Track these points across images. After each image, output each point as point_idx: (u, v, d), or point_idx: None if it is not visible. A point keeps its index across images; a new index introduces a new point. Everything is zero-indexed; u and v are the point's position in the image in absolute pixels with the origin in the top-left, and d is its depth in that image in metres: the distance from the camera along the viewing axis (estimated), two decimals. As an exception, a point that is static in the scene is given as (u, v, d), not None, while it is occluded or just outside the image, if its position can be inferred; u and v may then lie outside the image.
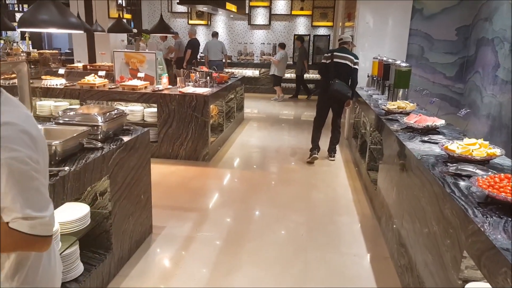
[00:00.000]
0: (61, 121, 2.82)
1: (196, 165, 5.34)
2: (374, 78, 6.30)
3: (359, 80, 6.68)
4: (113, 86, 5.64)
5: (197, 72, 6.07)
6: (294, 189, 4.64)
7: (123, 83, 5.62)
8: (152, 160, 5.51)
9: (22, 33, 10.36)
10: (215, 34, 11.32)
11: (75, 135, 2.43)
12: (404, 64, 4.66)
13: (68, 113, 2.90)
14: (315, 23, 12.60)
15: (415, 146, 2.99)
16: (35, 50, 8.33)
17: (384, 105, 4.30)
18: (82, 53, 10.32)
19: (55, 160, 2.28)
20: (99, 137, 2.77)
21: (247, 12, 12.72)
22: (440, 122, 3.38)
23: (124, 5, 11.18)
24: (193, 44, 10.42)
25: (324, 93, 5.53)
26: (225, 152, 5.99)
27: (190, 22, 13.09)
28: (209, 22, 13.06)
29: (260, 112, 9.77)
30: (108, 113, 2.89)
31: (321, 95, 5.67)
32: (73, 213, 2.52)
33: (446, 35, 6.70)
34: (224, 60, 11.25)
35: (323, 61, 5.54)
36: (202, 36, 12.93)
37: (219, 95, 6.10)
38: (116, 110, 3.00)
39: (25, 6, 11.38)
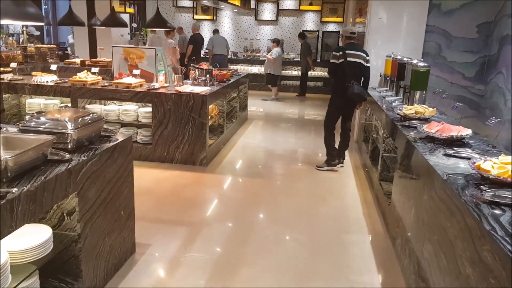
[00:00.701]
0: (25, 128, 2.42)
1: (192, 170, 4.93)
2: (387, 78, 5.84)
3: (372, 80, 6.25)
4: (106, 84, 5.26)
5: (196, 70, 5.66)
6: (297, 201, 4.22)
7: (116, 81, 5.23)
8: (145, 164, 5.26)
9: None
10: (216, 31, 10.89)
11: (33, 146, 2.04)
12: (421, 64, 4.20)
13: (35, 118, 2.50)
14: (324, 19, 12.12)
15: (439, 161, 2.55)
16: (31, 44, 7.98)
17: (400, 109, 3.86)
18: (83, 48, 9.97)
19: (7, 178, 1.89)
20: (69, 147, 2.37)
21: (253, 7, 12.28)
22: (466, 132, 2.94)
23: (126, -2, 10.81)
24: (196, 39, 10.02)
25: (339, 97, 4.99)
26: (225, 156, 5.58)
27: (196, 17, 12.67)
28: (214, 17, 12.64)
29: (265, 111, 9.34)
30: (81, 118, 2.48)
31: (336, 98, 5.08)
32: (33, 238, 2.13)
33: (465, 32, 6.20)
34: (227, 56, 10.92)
35: (333, 60, 4.97)
36: (207, 31, 12.51)
37: (219, 94, 5.69)
38: (91, 115, 2.60)
39: None
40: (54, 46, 7.99)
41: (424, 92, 4.23)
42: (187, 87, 5.22)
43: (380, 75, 6.09)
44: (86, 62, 7.78)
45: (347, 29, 5.21)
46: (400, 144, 3.37)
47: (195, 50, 10.06)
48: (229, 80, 6.43)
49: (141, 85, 5.33)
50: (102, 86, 5.15)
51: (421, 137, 3.10)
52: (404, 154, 3.23)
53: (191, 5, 12.55)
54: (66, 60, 7.95)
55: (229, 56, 11.60)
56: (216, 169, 5.04)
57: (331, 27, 12.25)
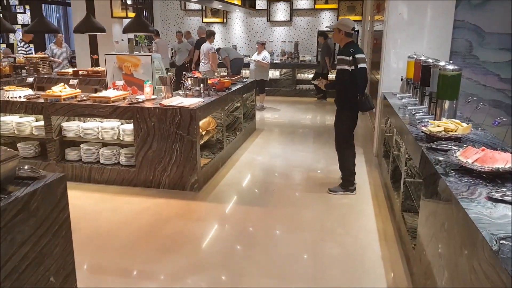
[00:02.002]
0: None
1: (181, 197, 4.25)
2: (410, 83, 5.02)
3: (392, 84, 5.45)
4: (84, 98, 4.64)
5: (189, 79, 4.98)
6: (301, 238, 3.47)
7: (94, 95, 4.61)
8: (127, 191, 4.42)
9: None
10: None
11: None
12: (450, 67, 3.38)
13: None
14: (341, 18, 11.27)
15: (482, 210, 1.77)
16: (21, 54, 7.53)
17: (425, 125, 3.06)
18: (85, 57, 9.49)
19: None
20: (-42, 201, 1.71)
21: (265, 7, 11.58)
22: (518, 162, 2.14)
23: (130, 3, 10.27)
24: (202, 43, 9.37)
25: (352, 111, 4.24)
26: (223, 177, 4.87)
27: (205, 20, 12.07)
28: (225, 19, 11.99)
29: (278, 119, 8.60)
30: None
31: (349, 112, 4.26)
32: None
33: (500, 27, 5.29)
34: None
35: (345, 67, 4.03)
36: (218, 35, 11.86)
37: (216, 106, 4.99)
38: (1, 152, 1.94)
39: (27, 7, 10.71)
40: (46, 55, 7.48)
41: (455, 101, 3.41)
42: (176, 100, 4.54)
43: (402, 79, 5.27)
44: (80, 72, 7.25)
45: (348, 23, 4.16)
46: (427, 174, 2.58)
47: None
48: (230, 88, 5.73)
49: (124, 98, 4.70)
50: (78, 100, 4.54)
51: (454, 168, 2.31)
52: (431, 190, 2.44)
53: (200, 8, 11.95)
54: (59, 71, 7.43)
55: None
56: (209, 196, 4.33)
57: (349, 26, 11.40)
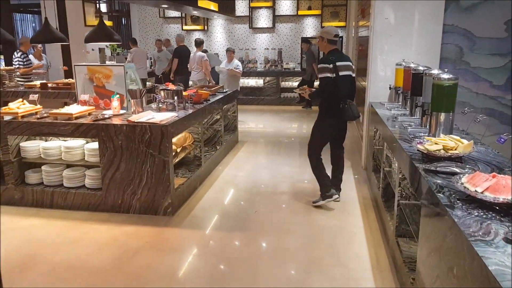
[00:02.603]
0: None
1: (153, 223, 3.84)
2: (399, 91, 4.71)
3: (379, 93, 5.14)
4: (44, 115, 4.21)
5: (161, 91, 4.59)
6: (284, 271, 3.08)
7: (55, 111, 4.18)
8: (94, 217, 3.92)
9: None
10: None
11: None
12: (446, 76, 3.06)
13: None
14: (325, 24, 11.03)
15: (503, 261, 1.42)
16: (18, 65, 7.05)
17: (420, 142, 2.72)
18: (58, 68, 9.02)
19: None
20: None
21: (247, 14, 11.26)
22: (537, 192, 1.79)
23: (106, 10, 9.85)
24: (181, 52, 8.99)
25: (334, 119, 4.08)
26: (200, 198, 4.47)
27: (185, 27, 11.69)
28: (205, 27, 11.63)
29: (262, 129, 8.25)
30: None
31: (328, 121, 4.14)
32: None
33: (492, 31, 5.05)
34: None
35: (327, 75, 3.92)
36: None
37: (193, 120, 4.61)
38: None
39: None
40: (13, 68, 7.01)
41: (451, 113, 3.09)
42: (146, 115, 4.14)
43: (390, 88, 4.96)
44: (49, 85, 6.80)
45: (330, 30, 4.08)
46: (427, 203, 2.23)
47: (181, 64, 9.04)
48: (209, 100, 5.35)
49: (89, 114, 4.28)
50: (38, 118, 4.11)
51: (460, 198, 1.96)
52: (434, 223, 2.08)
53: (180, 15, 11.57)
54: (27, 84, 6.97)
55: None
56: (184, 221, 3.93)
57: (333, 32, 11.14)
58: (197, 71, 8.44)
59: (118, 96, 4.46)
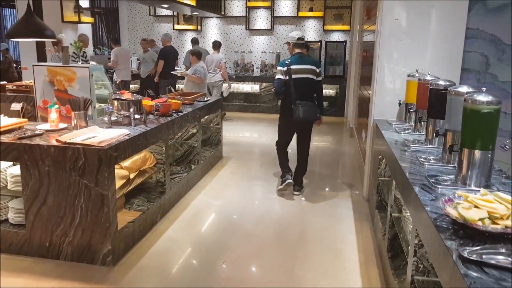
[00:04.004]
0: None
1: (85, 276, 2.92)
2: (411, 109, 3.79)
3: (386, 109, 4.25)
4: (-40, 129, 3.32)
5: (114, 102, 3.67)
6: None
7: (-30, 125, 3.28)
8: (15, 262, 2.99)
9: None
10: (195, 42, 9.04)
11: None
12: (484, 98, 2.14)
13: None
14: (327, 27, 10.13)
15: None
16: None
17: (450, 200, 1.79)
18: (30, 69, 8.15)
19: None
20: None
21: (243, 14, 10.38)
22: None
23: (87, 6, 8.98)
24: (167, 53, 8.13)
25: (286, 118, 4.41)
26: (156, 239, 3.55)
27: (177, 27, 10.81)
28: (199, 26, 10.75)
29: (254, 141, 7.33)
30: None
31: (283, 119, 4.52)
32: None
33: (525, 38, 4.14)
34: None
35: (279, 76, 4.29)
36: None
37: (154, 137, 3.70)
38: None
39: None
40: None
41: (490, 152, 2.16)
42: (86, 133, 3.24)
43: (400, 104, 4.04)
44: (7, 87, 5.93)
45: (293, 34, 4.46)
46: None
47: (167, 66, 8.16)
48: (180, 112, 4.45)
49: (20, 128, 3.39)
50: None
51: None
52: None
53: (171, 14, 10.70)
54: (-19, 85, 6.09)
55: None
56: (128, 274, 3.00)
57: (336, 36, 10.24)
58: (214, 73, 8.21)
59: (57, 106, 3.55)
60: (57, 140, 3.01)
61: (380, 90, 4.22)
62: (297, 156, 4.63)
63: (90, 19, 8.71)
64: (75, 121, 3.43)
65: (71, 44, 5.71)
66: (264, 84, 10.12)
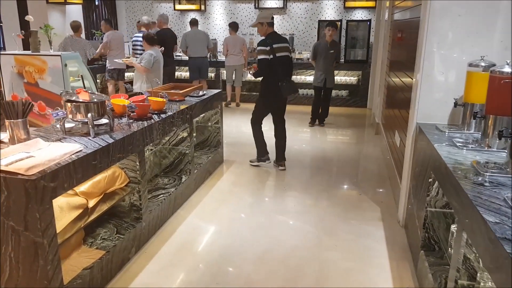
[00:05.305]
0: None
1: None
2: (477, 115, 2.74)
3: (434, 110, 3.22)
4: None
5: (67, 104, 2.71)
6: None
7: None
8: None
9: None
10: (194, 23, 8.06)
11: None
12: None
13: None
14: (349, 4, 8.98)
15: None
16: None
17: None
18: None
19: None
20: None
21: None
22: None
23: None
24: (164, 36, 7.14)
25: (271, 96, 4.60)
26: (127, 284, 2.64)
27: (178, 7, 9.79)
28: (203, 6, 9.68)
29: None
30: None
31: (268, 98, 4.64)
32: None
33: None
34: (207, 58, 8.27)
35: (264, 56, 4.39)
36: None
37: (119, 152, 2.75)
38: None
39: None
40: None
41: None
42: (27, 148, 2.30)
43: (456, 104, 2.98)
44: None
45: (267, 14, 4.53)
46: None
47: (165, 51, 7.17)
48: (165, 113, 3.48)
49: None
50: None
51: None
52: None
53: (173, -7, 9.66)
54: None
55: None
56: None
57: (359, 15, 9.08)
58: (238, 55, 8.09)
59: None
60: (-34, 164, 2.08)
61: (426, 84, 3.17)
62: (276, 136, 4.80)
63: (79, 0, 7.72)
64: (9, 133, 2.49)
65: (40, 27, 4.75)
66: (276, 70, 9.06)
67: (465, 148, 2.52)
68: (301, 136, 6.53)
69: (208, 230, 3.41)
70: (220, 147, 4.98)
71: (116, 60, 6.23)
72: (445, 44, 3.08)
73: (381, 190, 4.29)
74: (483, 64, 2.77)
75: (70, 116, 2.70)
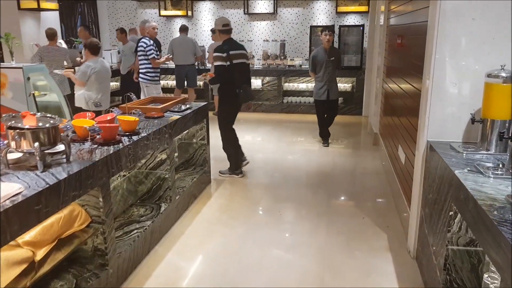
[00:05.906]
0: None
1: None
2: (503, 136, 2.31)
3: (446, 125, 2.78)
4: None
5: (10, 132, 2.24)
6: None
7: None
8: None
9: None
10: (183, 29, 7.67)
11: None
12: None
13: None
14: (341, 9, 8.60)
15: None
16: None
17: None
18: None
19: None
20: None
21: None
22: None
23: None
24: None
25: (231, 105, 4.55)
26: None
27: (163, 13, 9.34)
28: (189, 12, 9.24)
29: (254, 152, 5.79)
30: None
31: (228, 107, 4.57)
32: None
33: None
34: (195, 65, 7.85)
35: (221, 63, 4.31)
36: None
37: (74, 190, 2.28)
38: None
39: None
40: None
41: None
42: None
43: (473, 120, 2.55)
44: None
45: (218, 22, 4.47)
46: None
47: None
48: (137, 134, 3.02)
49: None
50: None
51: None
52: None
53: (157, -1, 9.22)
54: None
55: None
56: None
57: (352, 20, 8.70)
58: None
59: None
60: None
61: (437, 97, 2.74)
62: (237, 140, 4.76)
63: (54, 5, 7.24)
64: None
65: (1, 37, 4.28)
66: (268, 79, 8.65)
67: (486, 171, 2.11)
68: (295, 148, 6.08)
69: (189, 271, 2.94)
70: (207, 166, 4.52)
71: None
72: (458, 52, 2.66)
73: (385, 212, 3.85)
74: (503, 74, 2.36)
75: (13, 145, 2.23)
